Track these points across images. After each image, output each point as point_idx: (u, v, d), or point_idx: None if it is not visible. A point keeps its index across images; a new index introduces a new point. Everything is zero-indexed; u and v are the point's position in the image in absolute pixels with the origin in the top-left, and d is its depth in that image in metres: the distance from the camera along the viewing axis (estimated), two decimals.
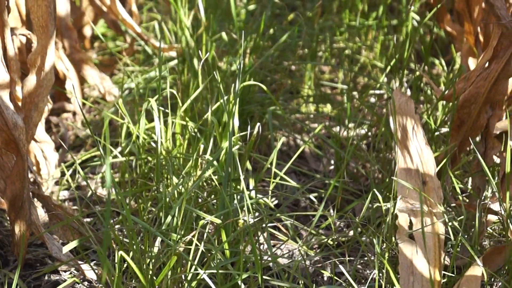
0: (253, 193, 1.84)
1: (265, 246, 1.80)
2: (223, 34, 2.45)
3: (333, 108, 2.44)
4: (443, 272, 1.61)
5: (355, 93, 2.49)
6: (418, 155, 1.76)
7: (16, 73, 1.77)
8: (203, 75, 2.15)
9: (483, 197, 1.88)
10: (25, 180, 1.71)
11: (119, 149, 2.13)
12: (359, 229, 1.85)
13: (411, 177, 1.72)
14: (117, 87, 2.53)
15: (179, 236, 1.63)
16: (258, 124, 1.83)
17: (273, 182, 1.93)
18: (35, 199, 1.88)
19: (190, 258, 1.58)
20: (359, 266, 1.81)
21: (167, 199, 1.75)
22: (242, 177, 1.70)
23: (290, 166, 2.07)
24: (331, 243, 1.86)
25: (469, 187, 1.98)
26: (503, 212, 1.71)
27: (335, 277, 1.74)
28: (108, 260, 1.61)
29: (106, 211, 1.37)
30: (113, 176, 2.03)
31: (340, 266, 1.72)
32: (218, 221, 1.64)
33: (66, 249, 1.59)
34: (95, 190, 2.10)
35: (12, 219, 1.74)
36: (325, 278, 1.78)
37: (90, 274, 1.75)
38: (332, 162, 2.20)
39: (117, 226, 1.87)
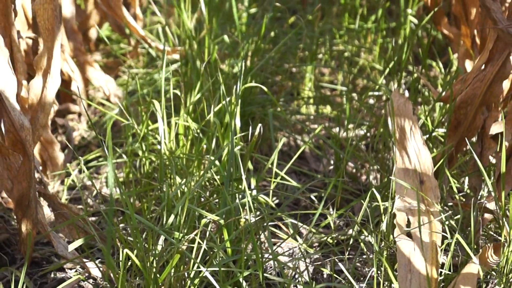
0: (254, 193, 1.84)
1: (266, 244, 1.81)
2: (225, 37, 2.45)
3: (333, 110, 2.44)
4: (440, 269, 1.61)
5: (354, 94, 2.49)
6: (416, 155, 1.76)
7: (22, 75, 1.78)
8: (206, 77, 2.16)
9: (479, 197, 1.89)
10: (32, 180, 1.71)
11: (124, 149, 2.13)
12: (358, 228, 1.85)
13: (409, 177, 1.72)
14: (121, 89, 2.53)
15: (182, 235, 1.63)
16: (260, 125, 1.83)
17: (274, 181, 1.93)
18: (41, 199, 1.88)
19: (193, 256, 1.58)
20: (358, 264, 1.81)
21: (170, 199, 1.75)
22: (243, 177, 1.70)
23: (291, 166, 2.08)
24: (331, 241, 1.86)
25: (466, 186, 1.98)
26: (498, 211, 1.72)
27: (335, 275, 1.74)
28: (112, 258, 1.62)
29: (109, 210, 1.37)
30: (117, 175, 2.03)
31: (340, 264, 1.72)
32: (220, 220, 1.64)
33: (71, 247, 1.59)
34: (100, 189, 2.11)
35: (19, 218, 1.75)
36: (325, 276, 1.78)
37: (95, 272, 1.75)
38: (332, 162, 2.20)
39: (121, 225, 1.87)
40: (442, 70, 2.57)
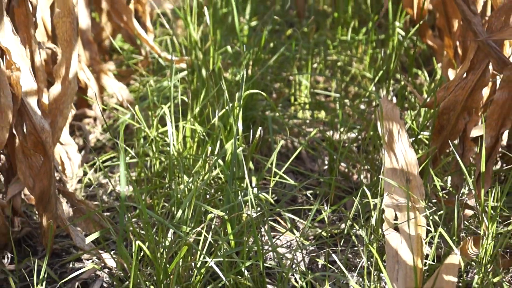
0: (255, 190, 1.84)
1: (266, 237, 1.81)
2: (228, 48, 2.46)
3: (327, 114, 2.44)
4: (424, 260, 1.61)
5: (346, 100, 2.49)
6: (403, 156, 1.76)
7: (43, 83, 1.78)
8: (210, 85, 2.16)
9: (460, 194, 1.89)
10: (52, 178, 1.72)
11: (136, 150, 2.13)
12: (350, 222, 1.85)
13: (396, 176, 1.72)
14: (133, 95, 2.54)
15: (189, 228, 1.64)
16: (260, 128, 1.84)
17: (273, 180, 1.93)
18: (61, 195, 1.88)
19: (199, 248, 1.59)
20: (350, 255, 1.82)
21: (179, 195, 1.75)
22: (246, 176, 1.70)
23: (289, 166, 2.08)
24: (325, 234, 1.86)
25: (448, 185, 1.98)
26: (478, 207, 1.72)
27: (329, 265, 1.74)
28: (126, 250, 1.62)
29: (122, 206, 1.39)
30: (130, 174, 2.03)
31: (333, 255, 1.72)
32: (224, 215, 1.64)
33: (88, 239, 1.60)
34: (114, 187, 2.11)
35: (40, 213, 1.75)
36: (320, 266, 1.79)
37: (110, 262, 1.76)
38: (326, 162, 2.21)
39: (134, 219, 1.88)
40: (427, 78, 2.57)
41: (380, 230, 1.71)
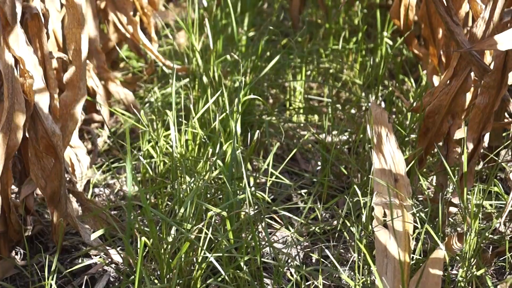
0: (253, 189, 1.84)
1: (263, 233, 1.81)
2: (228, 56, 2.45)
3: (320, 118, 2.44)
4: (412, 255, 1.61)
5: (338, 105, 2.49)
6: (391, 157, 1.76)
7: (54, 89, 1.78)
8: (211, 91, 2.16)
9: (445, 192, 1.89)
10: (62, 179, 1.71)
11: (141, 153, 2.13)
12: (342, 220, 1.85)
13: (385, 176, 1.72)
14: (138, 101, 2.53)
15: (191, 226, 1.63)
16: (257, 131, 1.83)
17: (269, 180, 1.93)
18: (70, 195, 1.88)
19: (200, 244, 1.59)
20: (342, 251, 1.81)
21: (181, 195, 1.75)
22: (244, 176, 1.70)
23: (284, 166, 2.08)
24: (318, 231, 1.86)
25: (434, 184, 1.98)
26: (462, 205, 1.72)
27: (322, 260, 1.74)
28: (131, 246, 1.62)
29: (128, 205, 1.38)
30: (135, 175, 2.03)
31: (326, 250, 1.72)
32: (224, 212, 1.64)
33: (94, 235, 1.59)
34: (121, 187, 2.11)
35: (51, 212, 1.75)
36: (313, 260, 1.78)
37: (117, 258, 1.75)
38: (319, 163, 2.20)
39: (139, 217, 1.87)
40: (413, 84, 2.57)
41: (370, 226, 1.70)
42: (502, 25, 1.70)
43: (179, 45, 2.89)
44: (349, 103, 2.52)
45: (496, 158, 1.94)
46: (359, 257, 1.67)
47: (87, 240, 1.75)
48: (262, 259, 1.62)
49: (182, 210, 1.65)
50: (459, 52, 1.75)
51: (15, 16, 1.59)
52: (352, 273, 1.71)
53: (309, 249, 1.81)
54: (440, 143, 1.92)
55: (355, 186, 1.77)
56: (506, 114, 1.98)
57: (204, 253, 1.58)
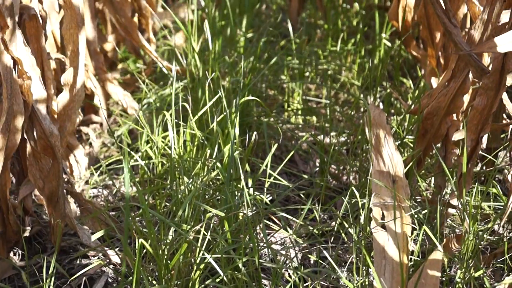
0: (251, 191, 1.84)
1: (261, 235, 1.81)
2: (226, 58, 2.45)
3: (318, 120, 2.44)
4: (410, 256, 1.61)
5: (336, 107, 2.49)
6: (389, 158, 1.76)
7: (52, 90, 1.78)
8: (210, 92, 2.16)
9: (443, 194, 1.89)
10: (60, 180, 1.71)
11: (139, 154, 2.13)
12: (340, 221, 1.85)
13: (383, 177, 1.72)
14: (137, 102, 2.53)
15: (189, 227, 1.63)
16: (255, 132, 1.83)
17: (268, 181, 1.93)
18: (69, 196, 1.88)
19: (199, 245, 1.58)
20: (340, 252, 1.81)
21: (179, 196, 1.75)
22: (242, 177, 1.70)
23: (282, 168, 2.08)
24: (317, 232, 1.86)
25: (432, 185, 1.98)
26: (460, 206, 1.72)
27: (320, 261, 1.74)
28: (129, 247, 1.61)
29: (127, 206, 1.38)
30: (134, 176, 2.03)
31: (324, 251, 1.72)
32: (222, 214, 1.64)
33: (94, 237, 1.59)
34: (119, 188, 2.11)
35: (49, 213, 1.75)
36: (312, 262, 1.78)
37: (115, 259, 1.75)
38: (317, 164, 2.20)
39: (137, 218, 1.87)
40: (412, 86, 2.58)
41: (368, 228, 1.71)
42: (500, 27, 1.70)
43: (177, 46, 2.89)
44: (348, 104, 2.53)
45: (495, 160, 1.95)
46: (358, 259, 1.67)
47: (85, 241, 1.75)
48: (260, 260, 1.62)
49: (180, 211, 1.65)
50: (458, 53, 1.75)
51: (13, 17, 1.58)
52: (350, 274, 1.71)
53: (307, 251, 1.81)
54: (439, 145, 1.92)
55: (353, 188, 1.77)
56: (504, 116, 1.98)
57: (203, 254, 1.58)
